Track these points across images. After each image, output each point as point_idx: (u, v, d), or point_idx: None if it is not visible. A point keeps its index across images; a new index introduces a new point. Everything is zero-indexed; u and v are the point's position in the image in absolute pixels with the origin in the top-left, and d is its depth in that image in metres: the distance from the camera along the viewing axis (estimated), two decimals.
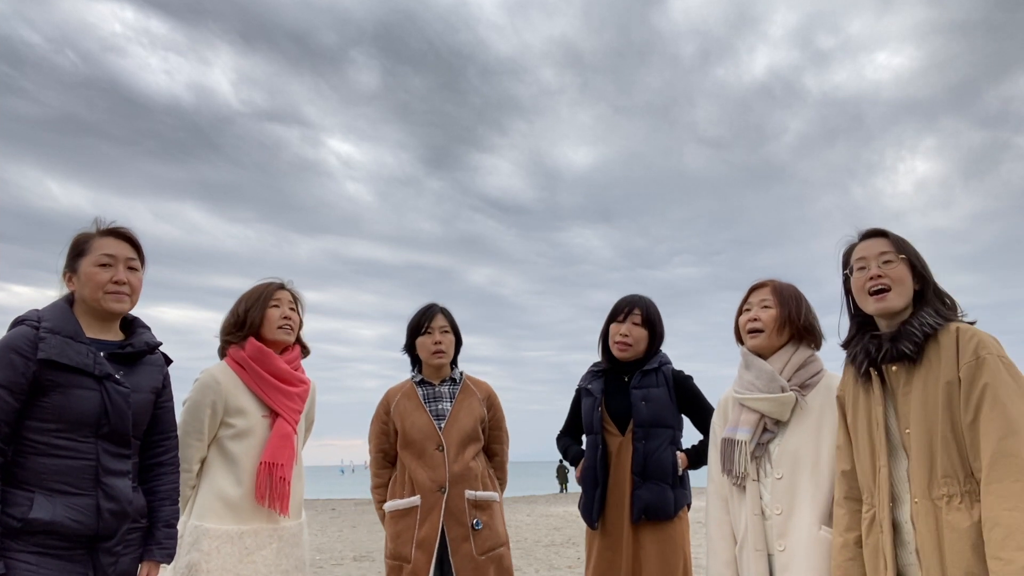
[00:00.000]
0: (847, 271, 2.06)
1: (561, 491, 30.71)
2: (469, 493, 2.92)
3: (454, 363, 3.19)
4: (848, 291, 2.08)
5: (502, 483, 3.18)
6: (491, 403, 3.16)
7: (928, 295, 1.95)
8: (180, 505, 2.44)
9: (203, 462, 2.57)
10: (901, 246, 1.98)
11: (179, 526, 2.43)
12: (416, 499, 2.90)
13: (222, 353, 2.71)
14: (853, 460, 2.03)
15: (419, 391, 3.07)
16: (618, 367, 3.00)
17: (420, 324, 3.08)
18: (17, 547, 1.84)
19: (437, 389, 3.08)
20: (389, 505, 3.00)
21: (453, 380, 3.13)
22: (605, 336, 3.02)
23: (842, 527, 2.02)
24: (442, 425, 2.97)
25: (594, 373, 3.07)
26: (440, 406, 3.03)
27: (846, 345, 2.08)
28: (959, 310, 1.94)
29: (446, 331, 3.07)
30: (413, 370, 3.17)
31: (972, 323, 1.90)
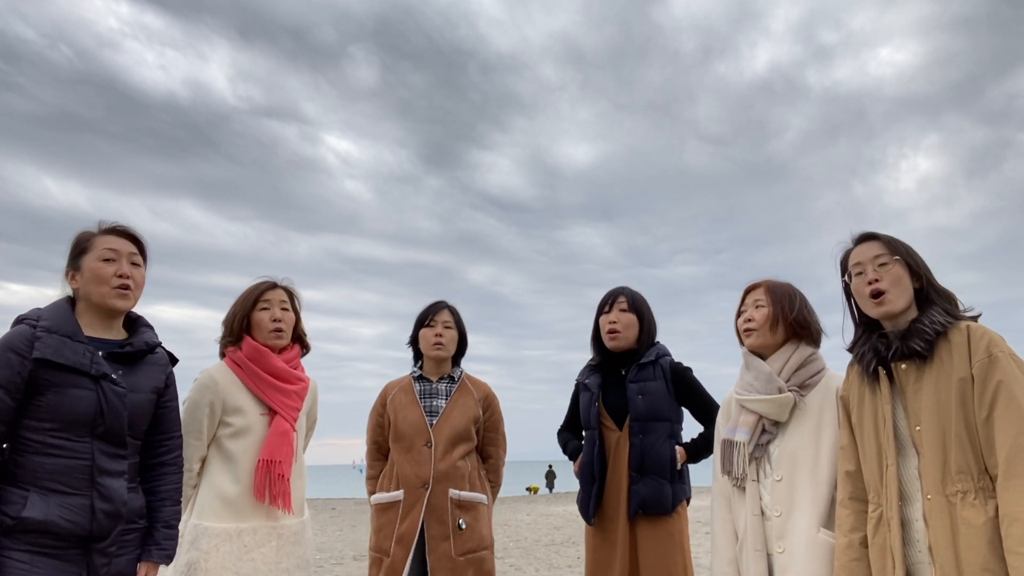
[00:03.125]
0: (846, 277, 2.07)
1: (548, 490, 31.13)
2: (453, 492, 2.90)
3: (457, 363, 3.19)
4: (849, 295, 2.09)
5: (495, 486, 3.15)
6: (488, 404, 3.14)
7: (930, 294, 1.96)
8: (182, 505, 2.43)
9: (203, 461, 2.56)
10: (894, 247, 1.98)
11: (180, 525, 2.43)
12: (400, 493, 2.91)
13: (222, 355, 2.71)
14: (858, 460, 2.03)
15: (416, 386, 3.08)
16: (614, 360, 2.98)
17: (425, 317, 3.11)
18: (11, 545, 1.83)
19: (434, 386, 3.08)
20: (375, 498, 3.01)
21: (452, 378, 3.12)
22: (597, 330, 3.02)
23: (846, 527, 2.00)
24: (434, 422, 2.97)
25: (591, 368, 3.06)
26: (435, 403, 3.03)
27: (852, 348, 2.08)
28: (960, 306, 1.96)
29: (449, 326, 3.09)
30: (415, 365, 3.18)
31: (977, 316, 1.92)
